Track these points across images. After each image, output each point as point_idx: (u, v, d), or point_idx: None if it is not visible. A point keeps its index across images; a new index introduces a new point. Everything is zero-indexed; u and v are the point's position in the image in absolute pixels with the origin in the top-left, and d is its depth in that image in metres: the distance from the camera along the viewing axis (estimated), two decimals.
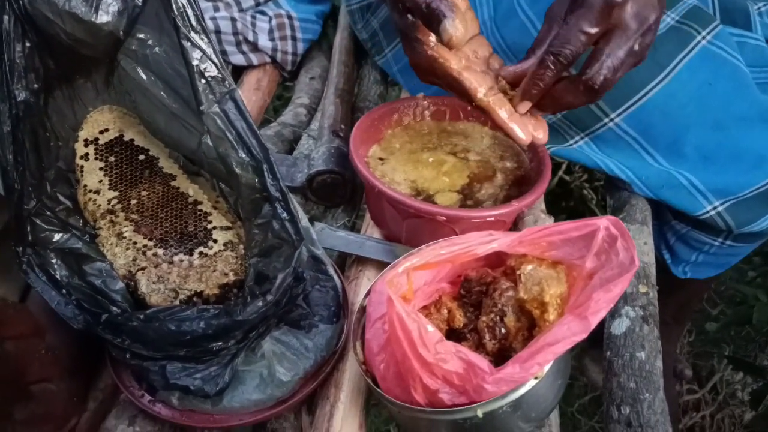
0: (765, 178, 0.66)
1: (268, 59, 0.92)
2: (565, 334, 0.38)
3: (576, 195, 1.32)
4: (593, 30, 0.47)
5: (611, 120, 0.66)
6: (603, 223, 0.40)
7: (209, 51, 0.46)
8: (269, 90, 0.91)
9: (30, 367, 0.42)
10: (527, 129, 0.52)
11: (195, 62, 0.45)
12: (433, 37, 0.52)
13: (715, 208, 0.67)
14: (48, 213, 0.49)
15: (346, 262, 0.65)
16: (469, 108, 0.71)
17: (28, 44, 0.46)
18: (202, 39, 0.46)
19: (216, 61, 0.46)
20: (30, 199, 0.47)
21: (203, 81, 0.46)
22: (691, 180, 0.66)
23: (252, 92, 0.89)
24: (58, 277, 0.48)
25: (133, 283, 0.50)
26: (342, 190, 0.70)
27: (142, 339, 0.44)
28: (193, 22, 0.45)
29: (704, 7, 0.72)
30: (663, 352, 1.03)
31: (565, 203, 1.33)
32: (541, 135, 0.53)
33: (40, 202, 0.48)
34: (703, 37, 0.66)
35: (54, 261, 0.48)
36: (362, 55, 0.96)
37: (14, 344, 0.39)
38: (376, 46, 0.87)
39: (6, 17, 0.45)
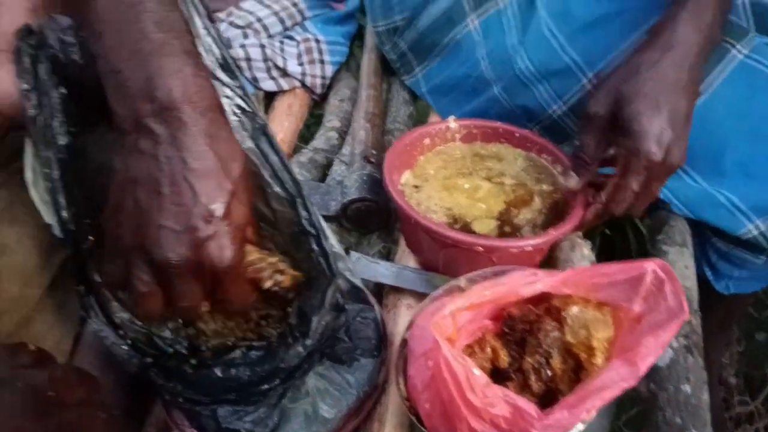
0: None
1: (297, 83, 0.93)
2: (614, 379, 0.38)
3: None
4: (641, 187, 0.56)
5: None
6: (650, 266, 0.40)
7: (238, 88, 0.46)
8: (301, 114, 0.92)
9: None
10: None
11: (226, 100, 0.46)
12: None
13: (757, 227, 0.65)
14: None
15: (382, 289, 0.65)
16: (500, 129, 0.71)
17: (63, 91, 0.46)
18: (230, 76, 0.46)
19: (246, 97, 0.47)
20: (86, 238, 0.47)
21: (235, 117, 0.46)
22: (731, 199, 0.65)
23: (285, 117, 0.90)
24: (115, 317, 0.48)
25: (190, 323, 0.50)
26: (376, 217, 0.70)
27: (193, 386, 0.45)
28: (221, 60, 0.46)
29: (736, 16, 0.70)
30: (711, 360, 1.00)
31: None
32: None
33: (96, 241, 0.48)
34: (739, 51, 0.65)
35: (112, 300, 0.49)
36: (391, 73, 0.96)
37: (77, 411, 0.39)
38: (405, 66, 0.87)
39: (42, 66, 0.45)
